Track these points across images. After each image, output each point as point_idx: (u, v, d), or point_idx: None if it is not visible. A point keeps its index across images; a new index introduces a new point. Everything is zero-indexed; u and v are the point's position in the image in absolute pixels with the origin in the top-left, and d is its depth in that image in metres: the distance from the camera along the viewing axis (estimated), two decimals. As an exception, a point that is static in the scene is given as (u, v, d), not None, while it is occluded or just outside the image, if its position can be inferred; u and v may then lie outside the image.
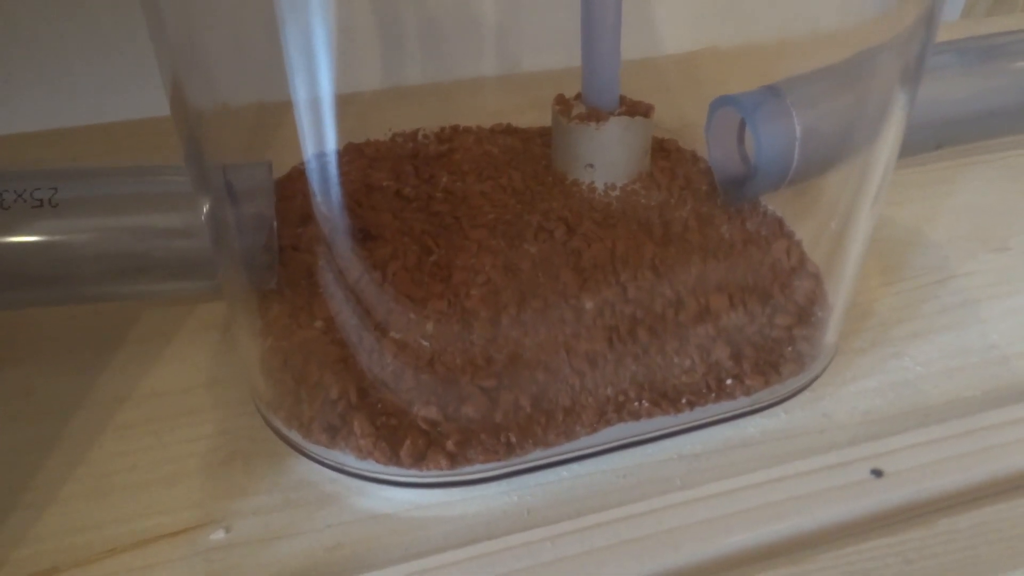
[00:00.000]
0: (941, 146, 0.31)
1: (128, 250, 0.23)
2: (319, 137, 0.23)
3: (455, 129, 0.35)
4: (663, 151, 0.32)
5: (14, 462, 0.23)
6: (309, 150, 0.23)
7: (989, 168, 0.36)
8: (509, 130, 0.35)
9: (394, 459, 0.21)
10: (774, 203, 0.29)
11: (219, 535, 0.21)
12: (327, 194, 0.25)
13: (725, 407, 0.23)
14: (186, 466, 0.23)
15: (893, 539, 0.19)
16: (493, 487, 0.22)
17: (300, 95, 0.21)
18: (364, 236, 0.27)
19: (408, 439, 0.21)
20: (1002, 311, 0.28)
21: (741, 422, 0.23)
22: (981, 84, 0.31)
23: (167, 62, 0.20)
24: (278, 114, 0.23)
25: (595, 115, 0.29)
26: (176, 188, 0.24)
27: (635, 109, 0.29)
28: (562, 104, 0.30)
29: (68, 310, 0.28)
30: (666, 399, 0.22)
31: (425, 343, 0.24)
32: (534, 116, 0.34)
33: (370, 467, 0.21)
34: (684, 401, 0.22)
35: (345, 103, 0.21)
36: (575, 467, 0.22)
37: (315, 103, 0.22)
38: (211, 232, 0.23)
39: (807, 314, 0.25)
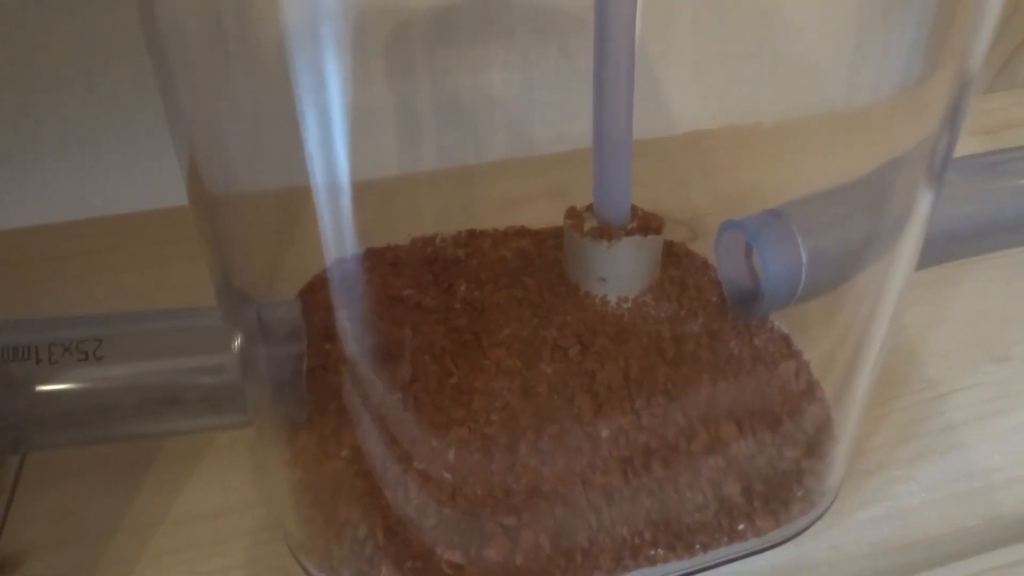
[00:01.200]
0: (944, 260, 0.32)
1: (164, 392, 0.24)
2: (340, 242, 0.23)
3: (472, 233, 0.36)
4: (672, 255, 0.33)
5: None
6: (331, 256, 0.24)
7: (990, 267, 0.37)
8: (523, 232, 0.36)
9: (421, 607, 0.22)
10: (783, 317, 0.29)
11: (253, 676, 0.22)
12: (352, 305, 0.26)
13: (736, 548, 0.24)
14: (219, 600, 0.24)
15: None
16: (513, 629, 0.23)
17: (322, 197, 0.22)
18: (386, 355, 0.28)
19: (434, 588, 0.22)
20: (1005, 429, 0.29)
21: (750, 560, 0.24)
22: (984, 200, 0.32)
23: (185, 152, 0.20)
24: (299, 201, 0.23)
25: (607, 232, 0.30)
26: (208, 326, 0.25)
27: (647, 225, 0.30)
28: (574, 218, 0.31)
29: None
30: (680, 541, 0.23)
31: (447, 475, 0.25)
32: (547, 207, 0.35)
33: (397, 613, 0.22)
34: (697, 545, 0.23)
35: (360, 191, 0.21)
36: (591, 607, 0.23)
37: (335, 206, 0.22)
38: (242, 368, 0.24)
39: (815, 444, 0.26)
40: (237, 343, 0.24)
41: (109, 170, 0.43)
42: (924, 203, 0.23)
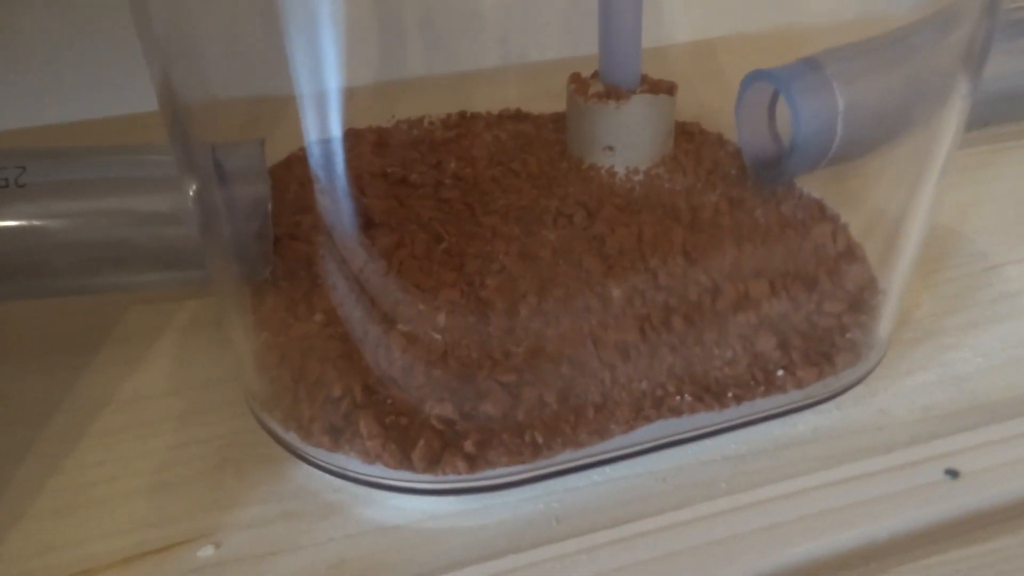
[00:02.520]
0: (989, 123, 0.29)
1: (106, 237, 0.21)
2: (322, 120, 0.21)
3: (463, 115, 0.33)
4: (686, 134, 0.30)
5: (-18, 473, 0.21)
6: (311, 134, 0.21)
7: (1033, 151, 0.34)
8: (520, 116, 0.33)
9: (405, 463, 0.18)
10: (814, 188, 0.27)
11: (207, 551, 0.19)
12: (330, 180, 0.23)
13: (774, 402, 0.20)
14: (172, 476, 0.21)
15: (978, 548, 0.17)
16: (516, 493, 0.19)
17: (302, 75, 0.20)
18: (368, 224, 0.25)
19: (421, 440, 0.19)
20: (1064, 299, 0.26)
21: (791, 419, 0.21)
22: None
23: (156, 56, 0.19)
24: (272, 108, 0.22)
25: (615, 93, 0.27)
26: (160, 170, 0.22)
27: (658, 87, 0.27)
28: (578, 83, 0.28)
29: (45, 307, 0.26)
30: (710, 393, 0.20)
31: (437, 336, 0.22)
32: (546, 106, 0.32)
33: (378, 472, 0.19)
34: (730, 395, 0.20)
35: (345, 96, 0.19)
36: (607, 470, 0.20)
37: (318, 83, 0.20)
38: (199, 217, 0.21)
39: (858, 301, 0.23)
40: (193, 188, 0.20)
41: (68, 81, 0.40)
42: (963, 85, 0.21)
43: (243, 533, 0.19)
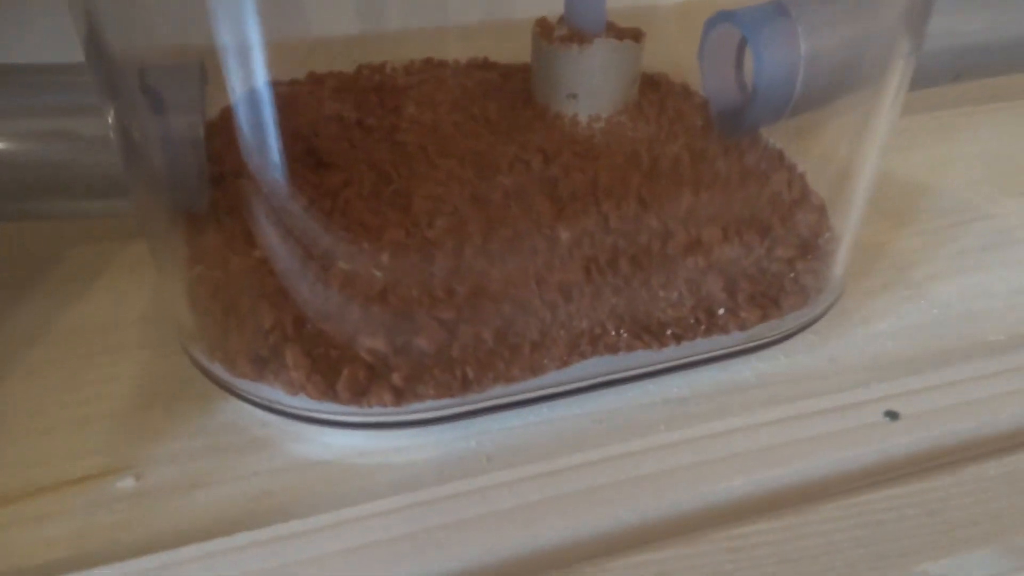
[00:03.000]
0: (960, 77, 0.28)
1: (39, 161, 0.20)
2: (258, 62, 0.20)
3: (428, 62, 0.32)
4: (652, 84, 0.30)
5: (-98, 403, 0.20)
6: (256, 78, 0.20)
7: (1007, 114, 0.33)
8: (487, 65, 0.32)
9: (330, 393, 0.18)
10: (774, 138, 0.26)
11: (127, 483, 0.18)
12: (275, 121, 0.22)
13: (716, 343, 0.20)
14: (99, 408, 0.20)
15: (912, 487, 0.16)
16: (448, 430, 0.19)
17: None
18: (316, 164, 0.24)
19: (346, 370, 0.18)
20: (1027, 255, 0.25)
21: (735, 364, 0.20)
22: (1000, 14, 0.29)
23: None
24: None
25: (579, 36, 0.26)
26: (89, 90, 0.21)
27: (623, 33, 0.26)
28: (543, 26, 0.27)
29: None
30: (648, 332, 0.19)
31: (378, 273, 0.21)
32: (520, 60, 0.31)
33: (303, 404, 0.18)
34: (669, 334, 0.19)
35: (313, 49, 0.18)
36: (543, 409, 0.19)
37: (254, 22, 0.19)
38: (120, 144, 0.20)
39: (810, 246, 0.22)
40: (111, 114, 0.19)
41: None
42: (906, 42, 0.21)
43: (166, 466, 0.19)
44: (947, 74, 0.28)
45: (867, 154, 0.23)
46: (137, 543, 0.17)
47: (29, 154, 0.20)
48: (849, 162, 0.23)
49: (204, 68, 0.22)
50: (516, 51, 0.30)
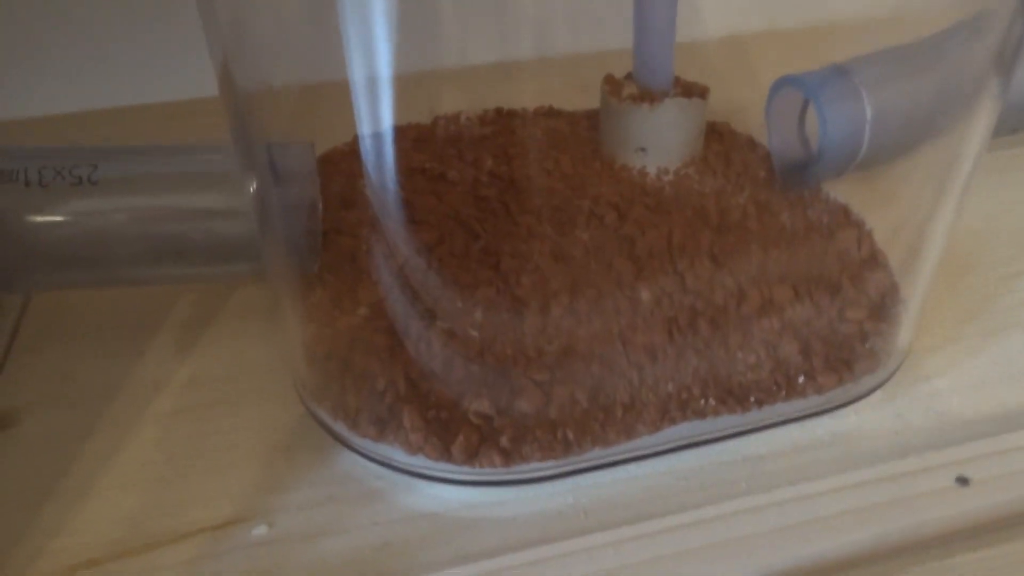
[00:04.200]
0: (1017, 130, 0.29)
1: (168, 231, 0.22)
2: (374, 115, 0.22)
3: (499, 112, 0.33)
4: (716, 134, 0.31)
5: (52, 448, 0.22)
6: (364, 128, 0.22)
7: (1062, 157, 0.34)
8: (553, 112, 0.34)
9: (445, 455, 0.20)
10: (840, 192, 0.27)
11: (261, 530, 0.20)
12: (380, 175, 0.24)
13: (794, 406, 0.21)
14: (226, 458, 0.22)
15: (982, 553, 0.18)
16: (548, 487, 0.21)
17: (357, 70, 0.20)
18: (410, 220, 0.26)
19: (461, 434, 0.20)
20: (1085, 308, 0.26)
21: (809, 423, 0.22)
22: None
23: (216, 40, 0.20)
24: (319, 96, 0.22)
25: (648, 95, 0.27)
26: (218, 168, 0.23)
27: (691, 90, 0.28)
28: (612, 84, 0.28)
29: (107, 293, 0.27)
30: (733, 397, 0.21)
31: (474, 333, 0.23)
32: (578, 100, 0.33)
33: (420, 463, 0.20)
34: (752, 399, 0.21)
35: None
36: (632, 468, 0.21)
37: (372, 79, 0.21)
38: (257, 213, 0.22)
39: (879, 307, 0.24)
40: (253, 186, 0.22)
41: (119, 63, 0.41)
42: (997, 76, 0.21)
43: (294, 514, 0.21)
44: (1005, 128, 0.29)
45: (944, 210, 0.24)
46: (278, 589, 0.19)
47: (158, 225, 0.22)
48: (926, 218, 0.24)
49: (314, 146, 0.24)
50: (568, 89, 0.31)
